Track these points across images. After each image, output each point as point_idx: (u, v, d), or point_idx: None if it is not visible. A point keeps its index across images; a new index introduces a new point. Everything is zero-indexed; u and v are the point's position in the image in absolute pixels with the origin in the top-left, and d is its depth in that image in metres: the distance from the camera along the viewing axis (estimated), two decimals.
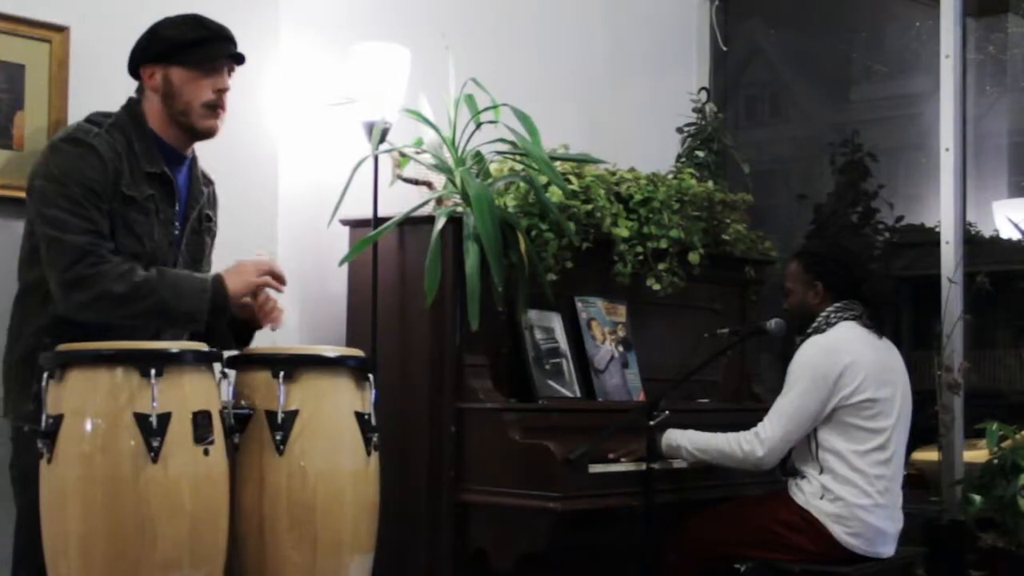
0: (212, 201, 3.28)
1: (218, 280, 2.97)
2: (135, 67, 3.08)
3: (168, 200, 3.04)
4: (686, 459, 3.69)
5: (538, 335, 3.83)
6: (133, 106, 3.06)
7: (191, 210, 3.13)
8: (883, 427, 3.63)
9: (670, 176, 4.36)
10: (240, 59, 3.11)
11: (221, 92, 3.06)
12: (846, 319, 3.72)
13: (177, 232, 3.08)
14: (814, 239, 5.39)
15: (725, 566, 3.66)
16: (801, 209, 5.68)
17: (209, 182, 3.27)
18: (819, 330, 3.72)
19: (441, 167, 3.79)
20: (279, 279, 3.09)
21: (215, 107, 3.05)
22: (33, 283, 2.94)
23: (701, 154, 4.94)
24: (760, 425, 3.61)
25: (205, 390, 2.71)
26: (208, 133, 3.09)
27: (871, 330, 3.73)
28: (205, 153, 3.23)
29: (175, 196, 3.06)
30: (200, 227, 3.18)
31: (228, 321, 3.08)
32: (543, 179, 3.74)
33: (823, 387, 3.59)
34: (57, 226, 2.83)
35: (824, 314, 3.74)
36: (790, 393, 3.62)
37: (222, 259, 3.31)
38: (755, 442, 3.58)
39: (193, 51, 3.01)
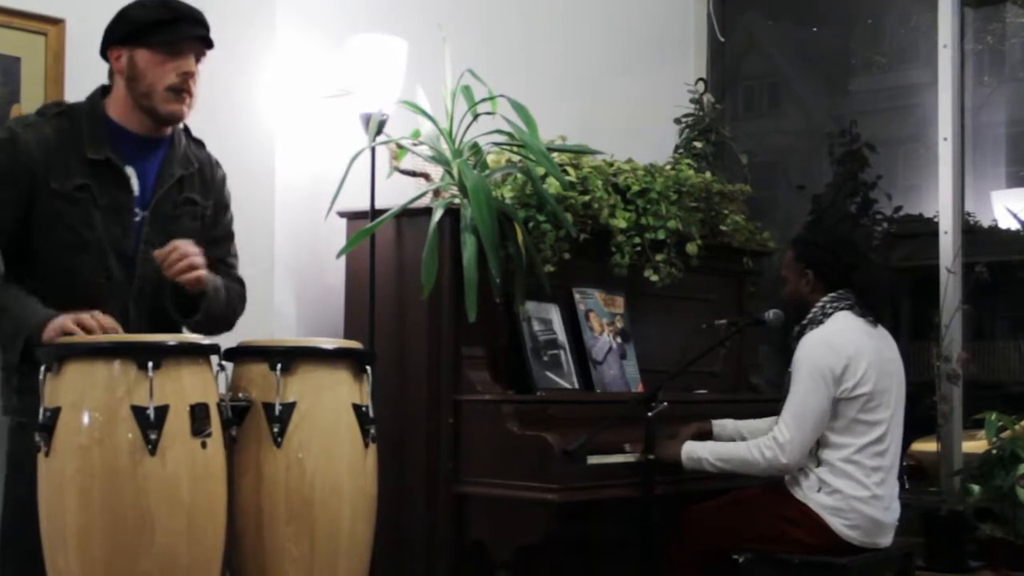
0: (204, 184, 3.14)
1: (41, 326, 2.71)
2: (104, 50, 3.00)
3: (117, 185, 2.93)
4: (709, 471, 3.67)
5: (536, 327, 3.82)
6: (96, 95, 3.00)
7: (157, 194, 3.00)
8: (881, 419, 3.62)
9: (668, 167, 4.36)
10: (208, 42, 3.00)
11: (186, 76, 2.94)
12: (841, 309, 3.71)
13: (139, 218, 2.97)
14: (814, 227, 5.39)
15: (724, 557, 3.67)
16: (799, 200, 5.67)
17: (191, 163, 3.10)
18: (816, 322, 3.71)
19: (438, 159, 3.78)
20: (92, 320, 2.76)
21: (180, 91, 2.94)
22: None
23: (699, 145, 4.93)
24: (776, 430, 3.59)
25: (202, 383, 2.71)
26: (171, 118, 2.98)
27: (866, 319, 3.72)
28: None
29: (127, 182, 2.95)
30: (178, 211, 3.05)
31: (170, 294, 2.98)
32: (540, 170, 3.73)
33: (830, 381, 3.58)
34: None
35: (819, 305, 3.73)
36: (798, 392, 3.60)
37: None
38: (776, 448, 3.57)
39: (158, 32, 2.91)
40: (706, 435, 3.84)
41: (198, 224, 3.11)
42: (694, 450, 3.67)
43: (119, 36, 2.96)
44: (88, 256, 2.88)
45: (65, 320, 2.69)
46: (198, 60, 2.99)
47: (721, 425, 3.92)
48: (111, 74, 3.01)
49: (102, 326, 2.71)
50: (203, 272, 2.93)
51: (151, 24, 2.92)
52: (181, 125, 3.09)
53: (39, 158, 2.86)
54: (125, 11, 2.98)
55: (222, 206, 3.22)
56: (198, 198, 3.11)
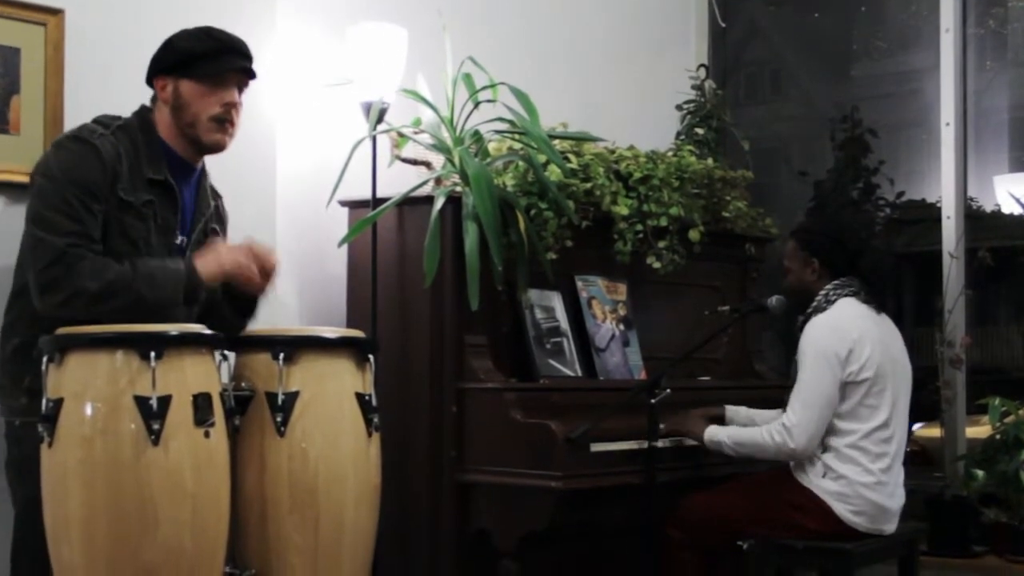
0: (220, 216, 3.25)
1: (191, 268, 2.93)
2: (151, 78, 3.06)
3: (170, 208, 3.01)
4: (728, 454, 3.70)
5: (538, 314, 3.82)
6: (144, 112, 3.05)
7: (197, 222, 3.11)
8: (886, 404, 3.62)
9: (669, 154, 4.35)
10: (251, 73, 3.08)
11: (229, 106, 3.02)
12: (845, 296, 3.71)
13: (180, 242, 3.05)
14: (814, 216, 5.38)
15: (728, 544, 3.67)
16: (801, 186, 5.66)
17: (217, 196, 3.25)
18: (820, 308, 3.71)
19: (439, 147, 3.78)
20: (261, 259, 3.04)
21: (223, 121, 3.01)
22: (26, 283, 2.89)
23: (701, 131, 4.92)
24: (785, 416, 3.60)
25: (205, 372, 2.71)
26: (215, 147, 3.06)
27: (870, 306, 3.72)
28: None
29: (177, 205, 3.03)
30: (205, 240, 3.14)
31: (227, 298, 3.08)
32: (542, 158, 3.73)
33: (836, 365, 3.58)
34: (43, 226, 2.80)
35: (823, 292, 3.73)
36: (804, 378, 3.60)
37: None
38: (784, 433, 3.57)
39: (202, 64, 2.98)
40: (718, 420, 3.85)
41: None
42: (716, 433, 3.71)
43: (165, 66, 3.01)
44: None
45: (225, 257, 2.97)
46: (241, 90, 3.06)
47: (735, 411, 3.92)
48: (154, 99, 3.06)
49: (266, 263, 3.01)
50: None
51: (196, 55, 2.98)
52: None
53: (115, 167, 2.90)
54: (171, 41, 3.03)
55: (226, 235, 3.30)
56: (217, 228, 3.22)
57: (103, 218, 2.87)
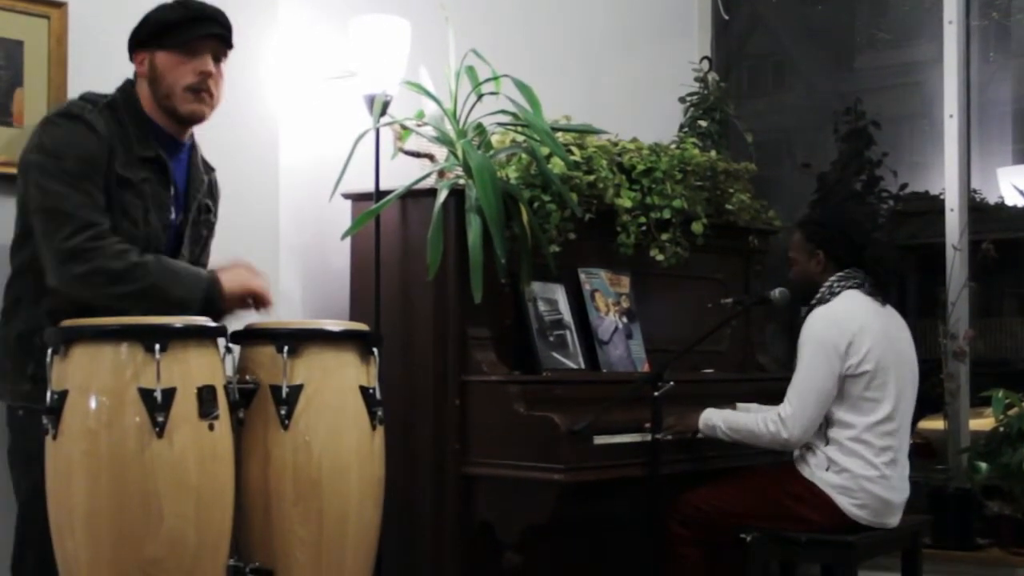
0: (212, 191, 3.23)
1: (215, 276, 2.94)
2: (130, 54, 3.04)
3: (162, 185, 2.99)
4: (722, 438, 3.70)
5: (542, 307, 3.82)
6: (128, 88, 3.02)
7: (191, 198, 3.09)
8: (888, 397, 3.62)
9: (673, 146, 4.35)
10: (228, 42, 3.04)
11: (205, 75, 2.98)
12: (849, 288, 3.71)
13: (174, 219, 3.03)
14: (818, 208, 5.37)
15: (731, 536, 3.67)
16: (805, 178, 5.65)
17: (210, 169, 3.23)
18: (823, 300, 3.71)
19: (443, 139, 3.77)
20: (265, 296, 3.07)
21: (198, 91, 2.98)
22: (24, 264, 2.90)
23: (704, 124, 4.92)
24: (781, 406, 3.60)
25: (209, 365, 2.71)
26: (192, 118, 3.02)
27: (875, 298, 3.72)
28: (204, 128, 3.19)
29: (170, 182, 3.01)
30: (199, 217, 3.14)
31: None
32: (545, 150, 3.73)
33: (833, 358, 3.58)
34: (55, 199, 2.79)
35: (828, 284, 3.73)
36: (802, 368, 3.61)
37: (224, 237, 3.30)
38: (779, 423, 3.58)
39: (174, 33, 2.95)
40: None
41: (208, 232, 3.21)
42: (711, 417, 3.71)
43: (141, 39, 3.00)
44: (136, 248, 2.88)
45: (250, 280, 2.99)
46: (218, 60, 3.02)
47: (745, 408, 3.92)
48: (136, 74, 3.04)
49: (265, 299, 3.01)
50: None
51: (168, 25, 2.96)
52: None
53: (110, 143, 2.88)
54: (147, 15, 3.01)
55: (217, 214, 3.28)
56: (211, 204, 3.21)
57: (105, 193, 2.86)
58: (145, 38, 2.99)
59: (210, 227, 3.23)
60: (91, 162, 2.84)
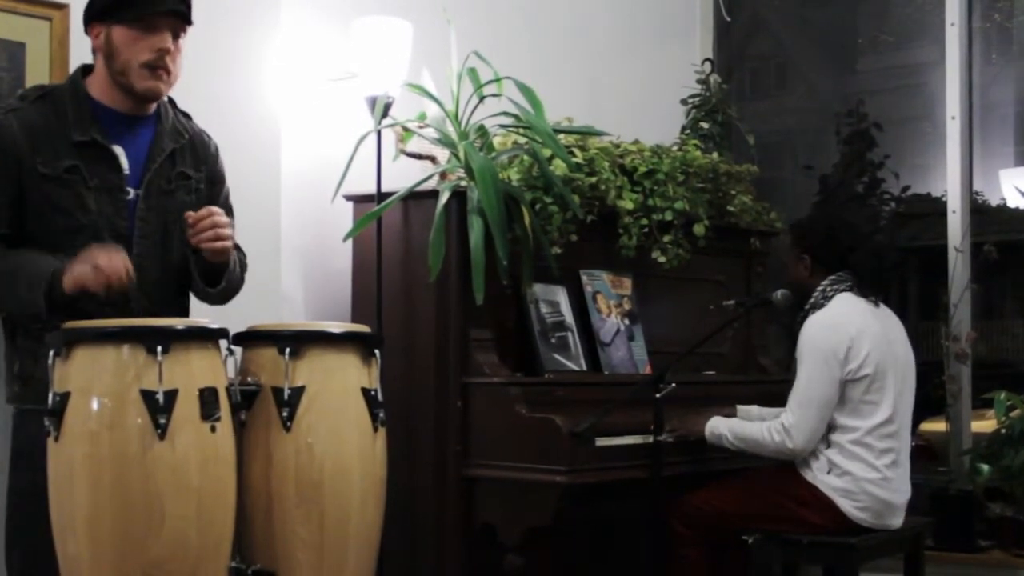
0: (196, 156, 3.10)
1: (57, 272, 2.74)
2: (86, 26, 2.96)
3: (106, 166, 2.89)
4: (728, 447, 3.70)
5: (543, 309, 3.82)
6: (76, 75, 2.97)
7: (149, 171, 2.97)
8: (888, 400, 3.62)
9: (674, 148, 4.35)
10: (187, 19, 2.94)
11: (162, 52, 2.89)
12: (842, 291, 3.71)
13: (133, 196, 2.94)
14: (818, 210, 5.37)
15: (733, 538, 3.67)
16: (807, 180, 5.66)
17: (182, 135, 3.06)
18: (817, 305, 3.71)
19: (444, 141, 3.77)
20: (110, 269, 2.73)
21: (155, 68, 2.89)
22: None
23: (706, 125, 4.92)
24: (784, 415, 3.60)
25: (211, 367, 2.70)
26: (148, 95, 2.93)
27: (869, 300, 3.72)
28: (206, 129, 3.19)
29: (116, 161, 2.91)
30: (171, 186, 3.02)
31: (196, 264, 2.99)
32: (547, 152, 3.72)
33: (833, 364, 3.58)
34: None
35: (820, 288, 3.72)
36: (802, 377, 3.60)
37: None
38: (783, 433, 3.57)
39: (132, 7, 2.86)
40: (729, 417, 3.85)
41: (193, 198, 3.07)
42: (717, 426, 3.71)
43: (97, 12, 2.92)
44: (84, 238, 2.84)
45: (83, 277, 2.69)
46: (176, 36, 2.93)
47: (746, 411, 3.92)
48: (94, 52, 2.97)
49: (117, 273, 2.70)
50: (229, 243, 2.95)
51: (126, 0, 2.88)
52: (167, 99, 3.05)
53: (24, 143, 2.82)
54: None
55: (217, 178, 3.18)
56: (191, 171, 3.08)
57: (21, 196, 2.81)
58: (102, 10, 2.90)
59: (196, 193, 3.08)
60: None
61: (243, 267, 3.19)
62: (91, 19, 2.94)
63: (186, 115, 3.13)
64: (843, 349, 3.58)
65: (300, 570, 2.88)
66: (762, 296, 4.07)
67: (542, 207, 3.73)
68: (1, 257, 2.79)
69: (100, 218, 2.88)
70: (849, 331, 3.60)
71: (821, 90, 6.17)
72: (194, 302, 3.15)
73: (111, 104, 2.94)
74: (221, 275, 3.03)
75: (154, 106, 3.01)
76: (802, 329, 3.68)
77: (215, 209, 2.94)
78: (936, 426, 4.91)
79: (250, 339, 2.99)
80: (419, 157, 3.91)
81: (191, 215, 2.91)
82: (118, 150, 2.92)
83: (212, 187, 3.15)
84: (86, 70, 2.98)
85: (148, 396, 2.55)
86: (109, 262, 2.70)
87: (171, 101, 3.09)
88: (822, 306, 3.70)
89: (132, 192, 2.95)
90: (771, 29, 6.19)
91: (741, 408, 3.93)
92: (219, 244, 2.92)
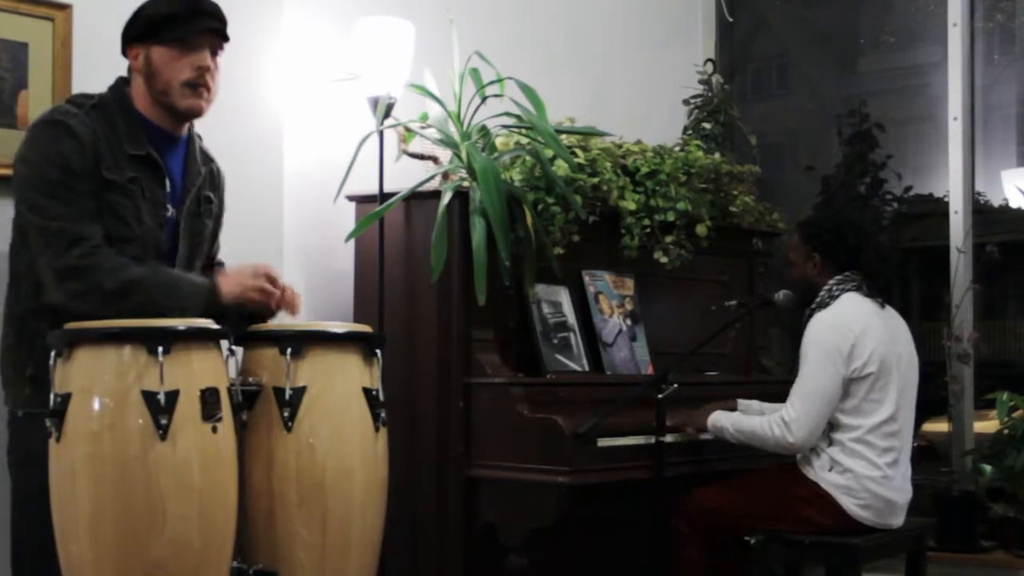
0: (213, 181, 3.19)
1: (214, 285, 2.91)
2: (124, 49, 3.00)
3: (156, 182, 2.96)
4: (729, 440, 3.70)
5: (546, 309, 3.82)
6: (120, 86, 3.00)
7: (187, 192, 3.06)
8: (890, 399, 3.62)
9: (677, 148, 4.35)
10: (224, 35, 3.01)
11: (203, 70, 2.95)
12: (848, 290, 3.71)
13: (171, 215, 3.01)
14: (821, 210, 5.37)
15: (735, 538, 3.67)
16: (809, 181, 5.65)
17: (209, 160, 3.19)
18: (823, 304, 3.71)
19: (447, 142, 3.78)
20: (273, 283, 3.01)
21: (196, 86, 2.94)
22: (23, 268, 2.88)
23: (708, 126, 4.92)
24: (784, 409, 3.60)
25: (213, 367, 2.71)
26: (189, 113, 2.99)
27: (874, 300, 3.72)
28: (209, 131, 3.20)
29: (164, 178, 2.98)
30: (199, 209, 3.10)
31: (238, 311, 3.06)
32: (549, 152, 3.73)
33: (838, 362, 3.58)
34: (42, 213, 2.77)
35: (827, 287, 3.73)
36: (805, 374, 3.60)
37: (229, 239, 3.30)
38: (784, 427, 3.58)
39: (170, 28, 2.91)
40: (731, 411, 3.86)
41: (212, 222, 3.17)
42: (719, 419, 3.72)
43: (135, 34, 2.97)
44: (133, 248, 2.88)
45: (254, 285, 2.94)
46: (214, 54, 2.99)
47: (746, 404, 3.92)
48: (130, 69, 3.01)
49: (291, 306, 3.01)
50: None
51: (164, 20, 2.92)
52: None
53: (95, 147, 2.86)
54: (140, 8, 2.98)
55: (223, 203, 3.26)
56: (212, 196, 3.17)
57: (93, 198, 2.84)
58: (140, 32, 2.94)
59: (214, 218, 3.20)
60: (75, 169, 2.81)
61: None
62: (130, 41, 2.98)
63: (199, 136, 3.18)
64: (847, 347, 3.58)
65: (302, 571, 2.88)
66: (764, 297, 4.07)
67: (544, 207, 3.73)
68: (154, 270, 2.86)
69: (149, 232, 2.93)
70: (854, 329, 3.61)
71: (823, 91, 6.16)
72: None
73: (154, 120, 2.99)
74: (264, 320, 3.15)
75: (187, 126, 3.07)
76: (807, 326, 3.69)
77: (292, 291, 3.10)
78: (938, 427, 4.90)
79: (251, 339, 2.99)
80: (421, 157, 3.92)
81: (293, 304, 3.09)
82: (172, 167, 3.00)
83: (221, 212, 3.24)
84: (125, 82, 3.01)
85: (149, 397, 2.55)
86: (286, 294, 3.00)
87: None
88: (828, 305, 3.70)
89: (171, 210, 3.01)
90: (773, 30, 6.18)
91: (742, 402, 3.93)
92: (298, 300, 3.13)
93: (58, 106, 2.95)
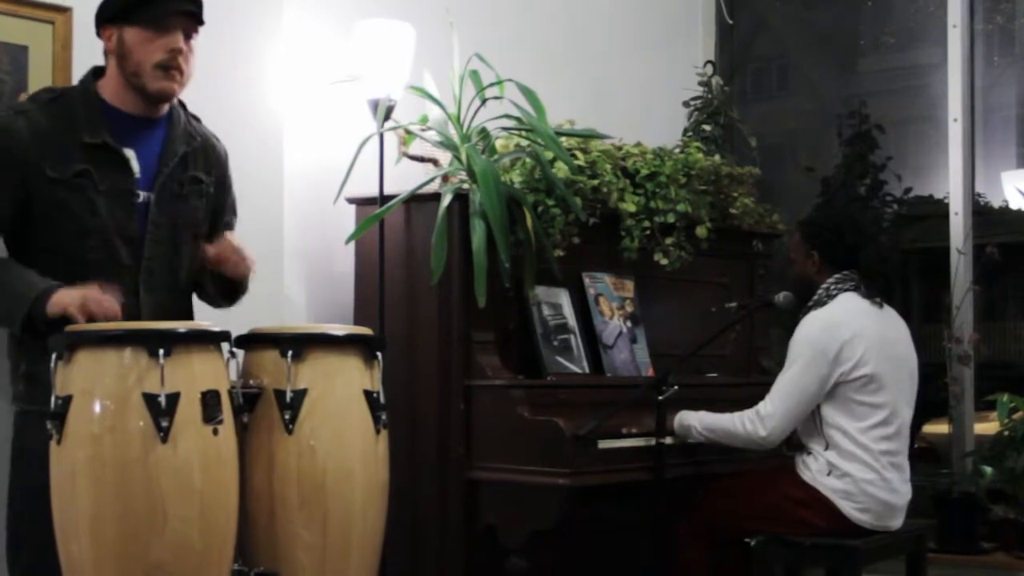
0: (207, 160, 3.12)
1: (40, 297, 2.72)
2: (98, 30, 2.97)
3: (117, 169, 2.90)
4: (696, 439, 3.69)
5: (546, 311, 3.82)
6: (88, 77, 2.98)
7: (161, 175, 2.98)
8: (886, 401, 3.61)
9: (676, 150, 4.35)
10: (198, 18, 2.96)
11: (175, 52, 2.90)
12: (846, 290, 3.71)
13: (142, 200, 2.95)
14: (829, 207, 5.37)
15: (735, 540, 3.67)
16: (809, 182, 5.65)
17: (194, 138, 3.08)
18: (819, 303, 3.70)
19: (447, 144, 3.78)
20: (98, 307, 2.73)
21: (168, 68, 2.90)
22: None
23: (708, 128, 4.91)
24: (761, 404, 3.60)
25: (213, 370, 2.71)
26: (161, 96, 2.94)
27: (872, 301, 3.71)
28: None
29: (127, 165, 2.92)
30: (184, 190, 3.03)
31: (212, 277, 3.05)
32: (549, 155, 3.73)
33: (822, 363, 3.57)
34: None
35: (824, 286, 3.73)
36: (789, 371, 3.61)
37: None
38: (757, 421, 3.58)
39: (143, 9, 2.88)
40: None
41: (203, 202, 3.10)
42: (685, 417, 3.70)
43: (109, 15, 2.93)
44: (93, 242, 2.87)
45: (70, 303, 2.69)
46: (188, 37, 2.95)
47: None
48: (106, 54, 2.97)
49: (105, 314, 2.70)
50: (253, 266, 3.06)
51: (138, 1, 2.88)
52: (177, 101, 3.06)
53: (33, 146, 2.83)
54: None
55: (227, 183, 3.21)
56: (203, 175, 3.10)
57: (28, 199, 2.82)
58: (113, 13, 2.91)
59: (207, 197, 3.11)
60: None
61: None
62: (103, 22, 2.95)
63: (196, 118, 3.15)
64: (834, 349, 3.58)
65: (302, 572, 2.88)
66: (764, 298, 4.07)
67: (544, 209, 3.73)
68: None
69: (110, 222, 2.89)
70: (844, 331, 3.60)
71: (823, 92, 6.17)
72: (198, 304, 3.16)
73: (123, 107, 2.96)
74: (239, 289, 3.10)
75: (166, 108, 3.02)
76: (800, 323, 3.69)
77: (230, 238, 3.02)
78: (939, 428, 4.91)
79: (252, 342, 2.99)
80: (421, 160, 3.92)
81: (212, 254, 2.98)
82: (129, 153, 2.93)
83: (221, 192, 3.18)
84: (97, 72, 2.99)
85: (150, 399, 2.55)
86: (99, 306, 2.71)
87: (182, 104, 3.10)
88: (824, 304, 3.70)
89: (143, 195, 2.96)
90: (773, 31, 6.18)
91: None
92: (244, 269, 3.03)
93: (16, 102, 2.94)
